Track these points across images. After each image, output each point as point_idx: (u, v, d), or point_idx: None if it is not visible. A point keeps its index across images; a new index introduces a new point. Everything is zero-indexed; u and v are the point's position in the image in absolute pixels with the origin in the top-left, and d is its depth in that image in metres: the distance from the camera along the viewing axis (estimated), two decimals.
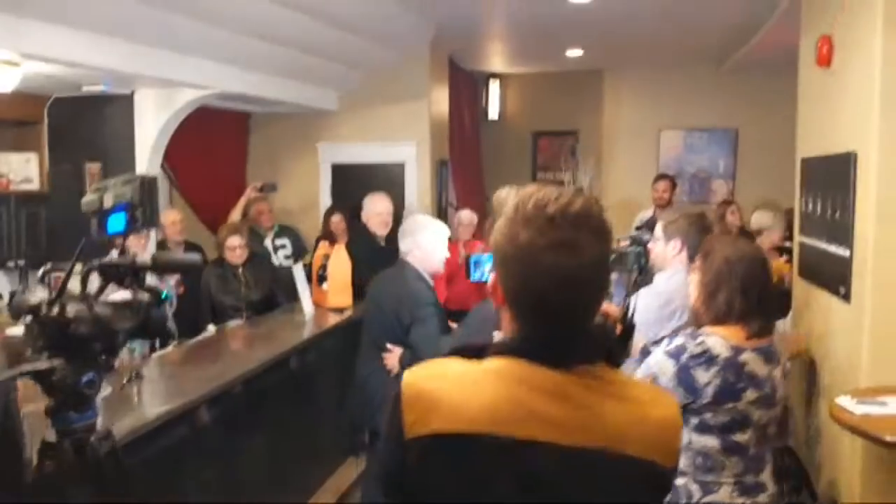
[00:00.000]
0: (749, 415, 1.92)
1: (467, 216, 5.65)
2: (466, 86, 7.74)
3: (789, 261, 4.14)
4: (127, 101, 4.86)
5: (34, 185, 5.01)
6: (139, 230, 1.62)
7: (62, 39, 3.40)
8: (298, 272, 4.20)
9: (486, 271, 2.46)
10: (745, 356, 1.91)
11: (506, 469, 1.02)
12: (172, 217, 5.01)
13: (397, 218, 5.41)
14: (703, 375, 1.89)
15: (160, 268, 1.54)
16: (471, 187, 7.70)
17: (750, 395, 1.90)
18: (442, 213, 6.39)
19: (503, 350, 1.08)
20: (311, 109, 6.00)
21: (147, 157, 4.89)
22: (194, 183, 5.84)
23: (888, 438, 2.32)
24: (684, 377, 1.90)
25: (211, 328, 3.76)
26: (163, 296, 1.55)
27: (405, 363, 2.85)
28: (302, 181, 6.19)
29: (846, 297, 3.08)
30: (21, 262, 4.94)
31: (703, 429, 1.91)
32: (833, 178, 3.26)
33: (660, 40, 6.28)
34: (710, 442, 1.92)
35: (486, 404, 1.03)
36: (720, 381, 1.88)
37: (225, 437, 3.04)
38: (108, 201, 1.53)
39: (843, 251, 3.11)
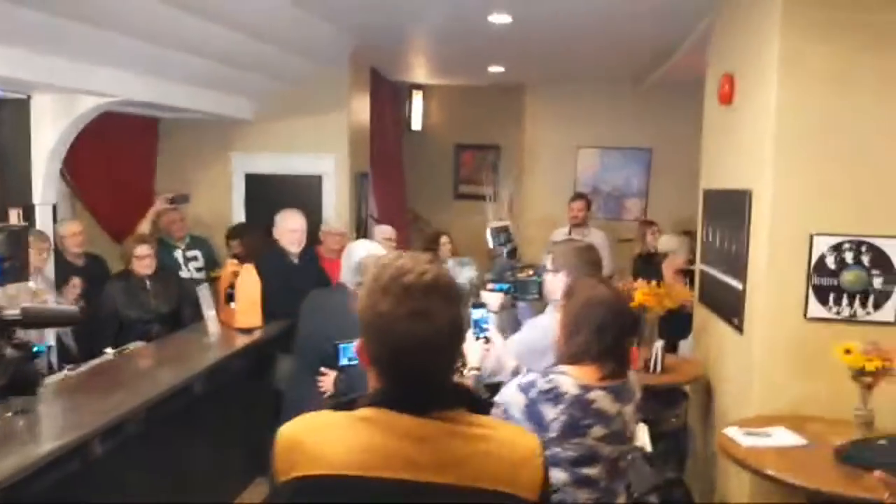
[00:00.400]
0: (598, 450, 2.00)
1: (387, 231, 5.59)
2: (389, 96, 7.69)
3: (692, 285, 4.29)
4: (23, 106, 4.58)
5: None
6: (6, 283, 1.51)
7: None
8: (203, 291, 4.05)
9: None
10: (594, 394, 1.98)
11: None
12: (73, 228, 4.77)
13: (312, 233, 5.34)
14: (550, 411, 1.97)
15: (31, 323, 1.44)
16: (393, 199, 7.66)
17: (597, 431, 1.98)
18: (361, 226, 6.33)
19: (371, 402, 1.19)
20: (224, 118, 5.82)
21: (44, 164, 4.61)
22: (98, 191, 5.56)
23: (769, 472, 2.42)
24: (532, 411, 1.98)
25: (109, 351, 3.57)
26: (35, 349, 1.45)
27: (340, 388, 2.87)
28: (214, 191, 6.00)
29: (739, 328, 3.21)
30: None
31: (553, 462, 1.92)
32: (730, 212, 3.40)
33: (579, 59, 6.42)
34: (561, 475, 1.98)
35: (351, 448, 1.15)
36: (566, 417, 1.96)
37: (125, 469, 2.90)
38: None
39: (737, 283, 3.24)
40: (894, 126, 2.84)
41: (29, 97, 4.56)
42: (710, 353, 3.73)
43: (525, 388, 2.02)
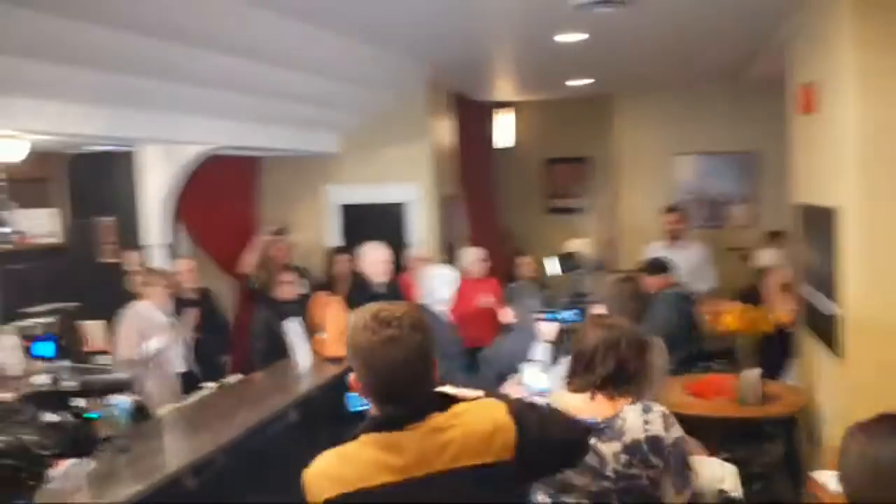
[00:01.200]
0: (571, 480, 2.00)
1: (473, 253, 5.58)
2: (476, 116, 7.76)
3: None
4: (135, 158, 5.02)
5: (56, 239, 5.19)
6: (60, 359, 1.68)
7: (52, 114, 3.54)
8: (294, 325, 4.25)
9: None
10: None
11: None
12: (186, 265, 5.14)
13: (399, 261, 5.49)
14: None
15: (87, 393, 1.60)
16: (484, 218, 7.71)
17: None
18: (448, 251, 6.40)
19: (365, 429, 1.52)
20: (315, 154, 6.10)
21: (156, 208, 5.03)
22: (207, 229, 5.95)
23: None
24: None
25: (210, 385, 3.84)
26: (87, 416, 1.61)
27: None
28: (312, 222, 6.28)
29: (837, 353, 3.01)
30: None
31: (538, 486, 2.03)
32: (818, 230, 3.20)
33: (664, 64, 6.20)
34: (543, 499, 2.05)
35: (358, 467, 1.49)
36: None
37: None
38: (39, 329, 1.60)
39: (831, 305, 3.04)
40: None
41: (135, 150, 5.00)
42: (812, 382, 3.51)
43: None
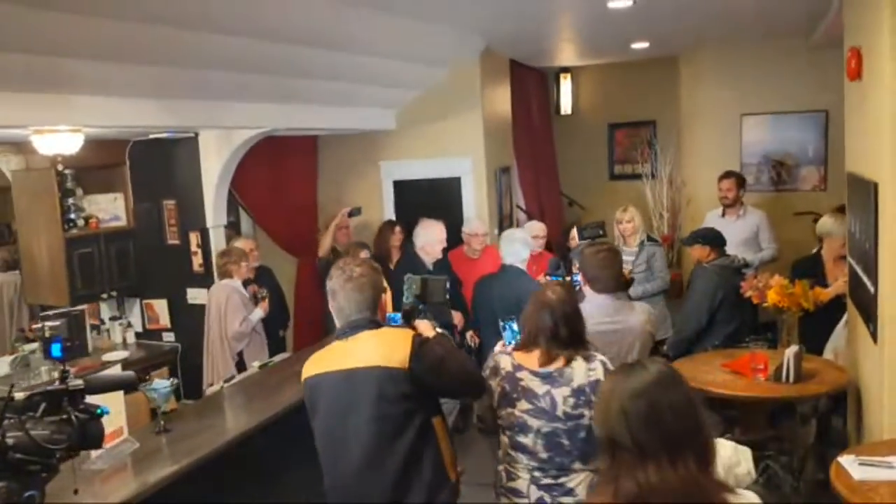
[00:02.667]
0: (526, 421, 2.40)
1: (536, 227, 5.55)
2: (534, 84, 7.64)
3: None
4: (193, 143, 5.25)
5: (122, 223, 5.53)
6: (67, 360, 1.82)
7: (109, 109, 3.76)
8: None
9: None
10: (523, 374, 2.43)
11: (327, 386, 2.36)
12: (248, 245, 5.39)
13: (454, 233, 5.56)
14: (492, 382, 2.50)
15: (93, 390, 1.74)
16: (544, 187, 7.64)
17: (523, 404, 2.41)
18: (503, 223, 6.40)
19: (334, 337, 2.46)
20: (370, 131, 6.18)
21: (213, 191, 5.27)
22: (268, 209, 6.17)
23: None
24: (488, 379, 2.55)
25: (255, 365, 4.06)
26: (98, 412, 1.76)
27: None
28: (367, 199, 6.39)
29: (874, 336, 2.87)
30: (114, 293, 5.51)
31: (502, 426, 2.48)
32: (862, 203, 3.02)
33: (728, 21, 5.89)
34: (504, 438, 2.49)
35: (320, 361, 2.43)
36: (500, 389, 2.47)
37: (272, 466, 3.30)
38: (47, 332, 1.75)
39: (870, 285, 2.89)
40: None
41: (197, 134, 5.22)
42: (858, 358, 3.36)
43: (489, 363, 2.58)
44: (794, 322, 3.43)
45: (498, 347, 2.59)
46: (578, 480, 2.38)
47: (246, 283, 5.04)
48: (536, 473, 2.40)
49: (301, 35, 4.11)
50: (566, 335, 2.43)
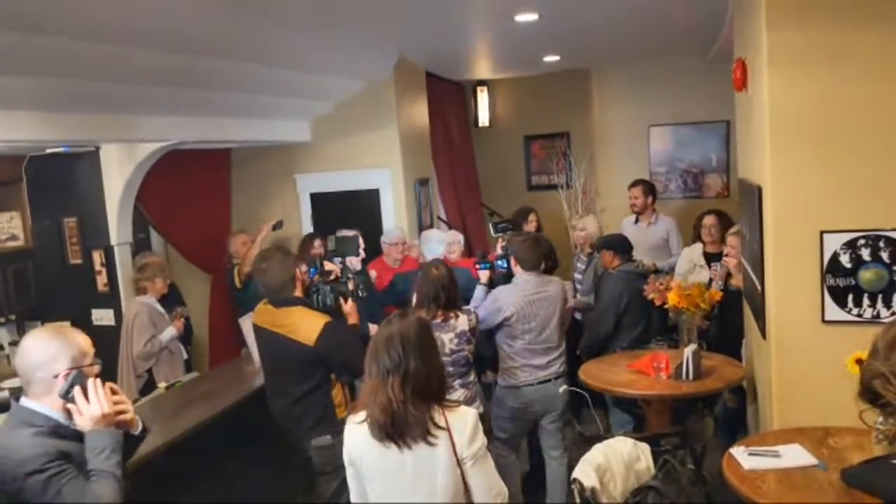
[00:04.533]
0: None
1: (450, 237, 5.66)
2: (452, 96, 7.72)
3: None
4: (94, 157, 5.05)
5: (20, 242, 5.25)
6: None
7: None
8: (245, 323, 4.28)
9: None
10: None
11: (262, 337, 3.46)
12: (157, 262, 5.21)
13: (374, 244, 5.55)
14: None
15: None
16: (464, 198, 7.70)
17: None
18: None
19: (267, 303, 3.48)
20: (285, 143, 6.10)
21: (116, 207, 5.07)
22: (178, 225, 5.95)
23: (759, 501, 2.26)
24: None
25: (161, 386, 3.93)
26: None
27: None
28: (284, 212, 6.29)
29: (763, 332, 3.01)
30: (12, 317, 5.22)
31: None
32: (750, 207, 3.18)
33: (633, 38, 6.12)
34: None
35: (262, 315, 3.45)
36: None
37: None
38: None
39: (759, 284, 3.04)
40: None
41: (98, 148, 5.03)
42: (751, 356, 3.52)
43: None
44: (694, 322, 3.56)
45: None
46: (457, 396, 3.44)
47: (161, 300, 4.88)
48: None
49: (203, 45, 4.02)
50: (445, 298, 3.49)
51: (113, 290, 5.17)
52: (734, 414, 4.07)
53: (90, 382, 2.04)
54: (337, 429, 2.70)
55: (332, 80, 5.67)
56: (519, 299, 3.74)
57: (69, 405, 2.01)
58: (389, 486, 2.15)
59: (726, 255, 4.18)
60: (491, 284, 4.10)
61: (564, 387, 3.76)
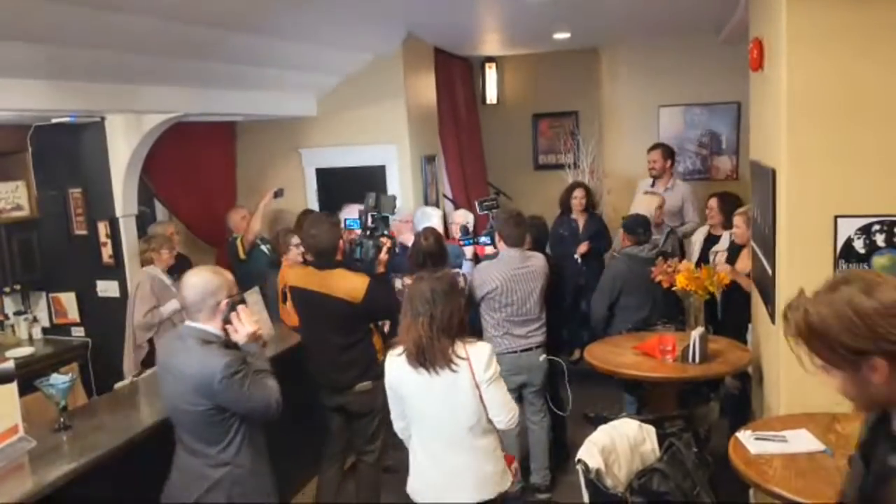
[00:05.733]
0: None
1: (461, 216, 5.70)
2: (459, 73, 7.63)
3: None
4: (100, 128, 5.01)
5: (25, 212, 5.23)
6: None
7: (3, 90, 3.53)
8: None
9: None
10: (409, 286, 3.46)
11: (304, 298, 3.73)
12: (169, 229, 5.24)
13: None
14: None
15: None
16: (470, 176, 7.65)
17: None
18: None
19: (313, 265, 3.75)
20: (290, 118, 6.05)
21: (122, 179, 5.04)
22: (184, 199, 5.95)
23: (765, 485, 2.25)
24: None
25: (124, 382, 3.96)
26: None
27: None
28: (288, 186, 6.26)
29: (772, 317, 2.99)
30: (17, 287, 5.22)
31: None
32: (763, 189, 3.14)
33: (646, 15, 6.02)
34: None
35: (301, 276, 3.77)
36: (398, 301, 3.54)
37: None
38: None
39: (769, 268, 3.01)
40: None
41: (103, 119, 4.98)
42: (759, 337, 3.50)
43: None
44: (701, 305, 3.54)
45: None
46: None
47: (170, 271, 4.87)
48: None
49: (212, 17, 3.97)
50: (431, 264, 3.79)
51: (118, 262, 5.15)
52: (738, 399, 4.07)
53: (241, 308, 2.62)
54: (376, 373, 3.17)
55: (339, 54, 5.61)
56: (502, 274, 3.94)
57: (227, 325, 2.59)
58: (423, 403, 2.69)
59: (732, 235, 4.17)
60: (476, 260, 4.50)
61: (544, 356, 3.93)
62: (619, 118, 7.59)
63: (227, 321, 2.59)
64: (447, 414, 2.65)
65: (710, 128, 7.24)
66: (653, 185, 6.04)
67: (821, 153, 2.63)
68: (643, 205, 5.27)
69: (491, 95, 8.13)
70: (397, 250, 4.18)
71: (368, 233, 4.17)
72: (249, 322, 2.60)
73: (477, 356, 2.63)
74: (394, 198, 4.33)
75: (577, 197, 5.96)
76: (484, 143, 8.18)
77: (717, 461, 3.21)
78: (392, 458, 4.69)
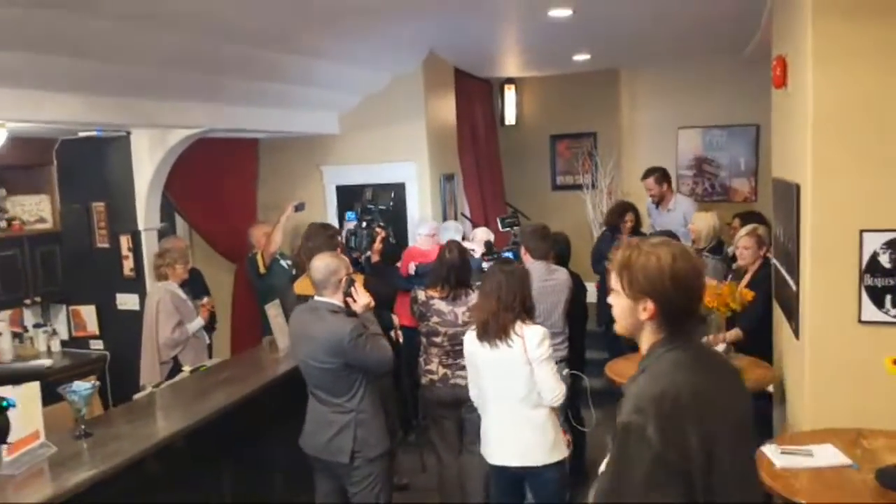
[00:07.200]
0: (436, 328, 3.79)
1: (482, 233, 5.68)
2: (479, 94, 7.70)
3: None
4: (125, 142, 5.09)
5: (48, 225, 5.31)
6: None
7: (28, 102, 3.60)
8: (274, 308, 4.30)
9: None
10: (434, 301, 3.81)
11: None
12: (179, 244, 5.24)
13: (399, 237, 5.59)
14: (414, 307, 3.90)
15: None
16: (488, 196, 7.67)
17: (435, 319, 3.79)
18: None
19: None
20: (313, 135, 6.12)
21: (145, 193, 5.11)
22: (206, 215, 6.00)
23: (794, 499, 2.22)
24: None
25: (186, 369, 3.95)
26: (3, 404, 1.66)
27: None
28: (310, 204, 6.29)
29: (795, 332, 2.96)
30: (38, 299, 5.27)
31: (421, 332, 3.88)
32: (786, 205, 3.12)
33: (665, 38, 6.05)
34: (423, 339, 3.88)
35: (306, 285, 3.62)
36: (418, 311, 3.86)
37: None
38: None
39: (793, 283, 2.99)
40: None
41: (129, 133, 5.07)
42: (781, 353, 3.46)
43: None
44: (723, 323, 3.50)
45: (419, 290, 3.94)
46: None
47: (183, 285, 4.90)
48: (443, 358, 3.81)
49: (238, 35, 4.04)
50: (455, 278, 3.80)
51: (139, 276, 5.21)
52: (758, 420, 4.00)
53: (357, 284, 3.19)
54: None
55: (362, 72, 5.68)
56: None
57: (347, 298, 3.16)
58: (488, 373, 3.08)
59: (735, 254, 4.16)
60: None
61: (567, 370, 3.90)
62: (637, 139, 7.61)
63: (347, 294, 3.15)
64: (504, 384, 3.03)
65: (729, 150, 7.23)
66: (657, 207, 6.07)
67: (845, 167, 2.61)
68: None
69: (510, 116, 8.18)
70: (391, 239, 4.56)
71: (364, 224, 4.46)
72: (364, 295, 3.16)
73: (531, 336, 2.98)
74: (391, 191, 4.69)
75: (629, 220, 5.94)
76: (503, 163, 8.22)
77: None
78: (406, 475, 4.69)
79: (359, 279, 3.36)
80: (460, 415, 3.88)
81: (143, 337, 4.77)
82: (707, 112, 7.21)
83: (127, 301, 5.30)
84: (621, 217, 5.85)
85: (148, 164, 5.09)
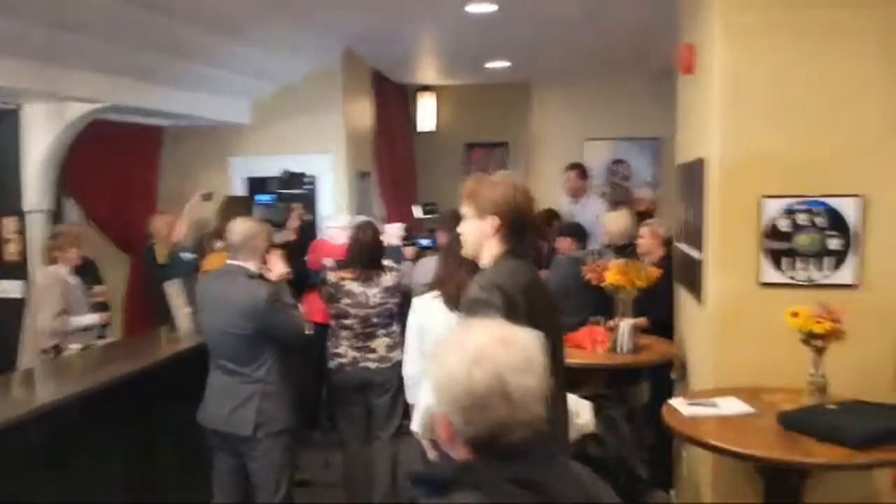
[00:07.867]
0: (348, 310, 3.80)
1: (395, 229, 5.64)
2: (396, 99, 7.71)
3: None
4: (13, 116, 4.74)
5: None
6: None
7: None
8: (174, 287, 4.08)
9: None
10: (346, 282, 3.81)
11: None
12: (73, 231, 4.90)
13: (310, 230, 5.47)
14: (323, 290, 3.90)
15: None
16: (402, 199, 7.65)
17: (346, 300, 3.79)
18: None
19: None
20: (224, 123, 5.93)
21: (37, 172, 4.76)
22: (101, 201, 5.67)
23: (704, 439, 2.28)
24: None
25: (73, 347, 3.68)
26: None
27: None
28: (216, 195, 6.06)
29: (699, 299, 3.07)
30: None
31: (331, 314, 3.88)
32: (691, 184, 3.27)
33: (577, 50, 6.29)
34: (332, 322, 3.89)
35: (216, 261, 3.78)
36: (327, 294, 3.86)
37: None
38: None
39: (697, 254, 3.11)
40: (843, 79, 2.69)
41: (19, 106, 4.72)
42: (682, 330, 3.60)
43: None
44: (630, 300, 3.60)
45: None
46: (379, 343, 3.82)
47: (76, 274, 4.57)
48: (353, 341, 3.83)
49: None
50: (367, 258, 3.82)
51: (25, 260, 4.82)
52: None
53: (274, 253, 3.19)
54: None
55: (277, 60, 5.56)
56: None
57: (262, 265, 3.14)
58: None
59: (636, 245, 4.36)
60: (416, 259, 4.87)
61: None
62: (545, 150, 7.84)
63: (263, 261, 3.13)
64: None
65: (633, 162, 7.55)
66: (570, 203, 6.41)
67: (748, 140, 2.77)
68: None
69: (427, 123, 8.23)
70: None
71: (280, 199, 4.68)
72: (280, 265, 3.16)
73: None
74: (302, 175, 5.05)
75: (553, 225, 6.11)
76: (418, 170, 8.25)
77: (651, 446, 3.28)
78: (309, 471, 4.52)
79: (276, 252, 3.30)
80: (369, 399, 3.83)
81: (24, 323, 4.42)
82: (613, 125, 7.53)
83: (10, 288, 4.88)
84: (548, 224, 6.05)
85: (41, 140, 4.75)
